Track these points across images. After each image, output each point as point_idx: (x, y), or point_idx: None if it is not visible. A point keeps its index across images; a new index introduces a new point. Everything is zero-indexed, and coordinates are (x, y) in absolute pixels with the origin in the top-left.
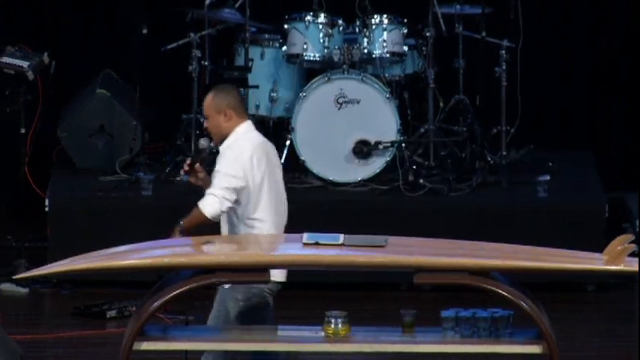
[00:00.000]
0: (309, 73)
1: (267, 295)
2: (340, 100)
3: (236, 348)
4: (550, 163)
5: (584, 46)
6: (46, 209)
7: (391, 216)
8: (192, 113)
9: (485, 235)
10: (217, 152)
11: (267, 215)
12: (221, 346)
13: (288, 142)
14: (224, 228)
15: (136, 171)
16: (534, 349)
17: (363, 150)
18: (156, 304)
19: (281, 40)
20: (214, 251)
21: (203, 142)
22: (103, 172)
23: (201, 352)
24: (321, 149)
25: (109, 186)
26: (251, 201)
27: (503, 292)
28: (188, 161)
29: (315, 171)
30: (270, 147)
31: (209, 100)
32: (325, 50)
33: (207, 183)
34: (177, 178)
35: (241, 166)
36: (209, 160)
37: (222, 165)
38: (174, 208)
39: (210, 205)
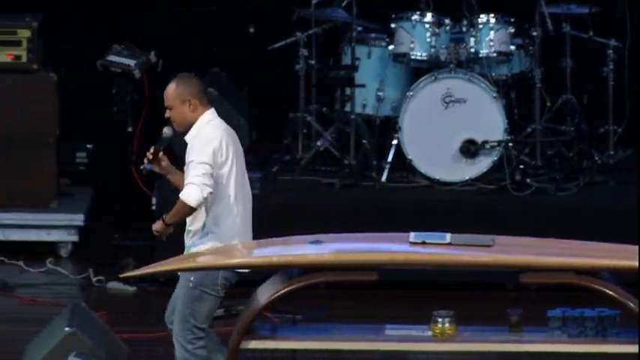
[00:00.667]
0: (415, 72)
1: (219, 285)
2: (447, 100)
3: (344, 347)
4: None
5: None
6: (153, 208)
7: (498, 215)
8: (299, 112)
9: (592, 235)
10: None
11: (235, 200)
12: (329, 345)
13: (395, 142)
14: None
15: None
16: None
17: (470, 149)
18: (263, 302)
19: (388, 40)
20: (322, 250)
21: (167, 131)
22: None
23: (309, 352)
24: (427, 148)
25: None
26: (221, 187)
27: (610, 292)
28: (151, 150)
29: (422, 170)
30: (233, 134)
31: (172, 90)
32: (432, 49)
33: (170, 171)
34: (141, 167)
35: (212, 152)
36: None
37: (194, 154)
38: (281, 207)
39: (192, 194)
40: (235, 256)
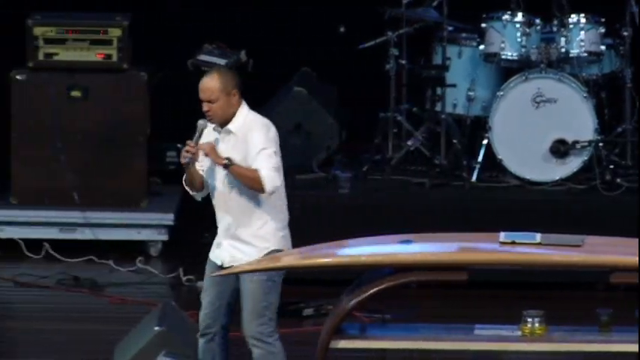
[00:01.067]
0: (506, 72)
1: (283, 274)
2: (537, 100)
3: (433, 347)
4: None
5: None
6: None
7: (588, 215)
8: (389, 112)
9: None
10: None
11: (283, 191)
12: (418, 345)
13: (485, 142)
14: (238, 209)
15: (333, 169)
16: None
17: (561, 149)
18: (353, 302)
19: (478, 39)
20: (412, 250)
21: (202, 123)
22: (300, 170)
23: (399, 352)
24: (518, 148)
25: (305, 184)
26: None
27: None
28: (192, 143)
29: (512, 170)
30: None
31: (216, 83)
32: (523, 49)
33: (196, 168)
34: (184, 161)
35: (276, 139)
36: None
37: (262, 142)
38: (371, 206)
39: (274, 181)
40: (324, 256)
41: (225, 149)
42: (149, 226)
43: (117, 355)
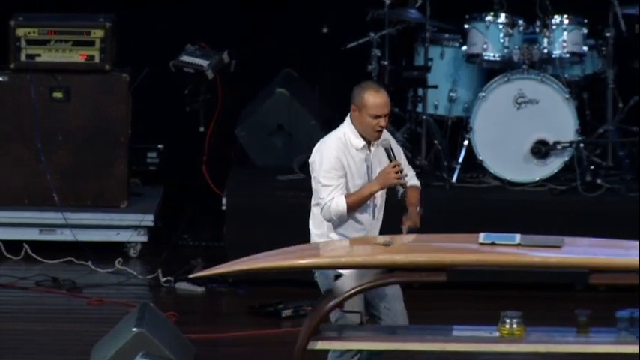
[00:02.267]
0: (488, 72)
1: None
2: (519, 100)
3: (411, 348)
4: None
5: None
6: (223, 208)
7: (568, 216)
8: None
9: None
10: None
11: None
12: (395, 346)
13: (466, 142)
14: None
15: None
16: None
17: (542, 150)
18: (332, 303)
19: (461, 40)
20: (392, 251)
21: (388, 142)
22: (281, 171)
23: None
24: (499, 149)
25: (286, 185)
26: None
27: None
28: (398, 166)
29: (492, 171)
30: None
31: (387, 96)
32: (505, 50)
33: None
34: (403, 181)
35: None
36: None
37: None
38: None
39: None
40: (304, 257)
41: (377, 163)
42: (128, 227)
43: (95, 356)
